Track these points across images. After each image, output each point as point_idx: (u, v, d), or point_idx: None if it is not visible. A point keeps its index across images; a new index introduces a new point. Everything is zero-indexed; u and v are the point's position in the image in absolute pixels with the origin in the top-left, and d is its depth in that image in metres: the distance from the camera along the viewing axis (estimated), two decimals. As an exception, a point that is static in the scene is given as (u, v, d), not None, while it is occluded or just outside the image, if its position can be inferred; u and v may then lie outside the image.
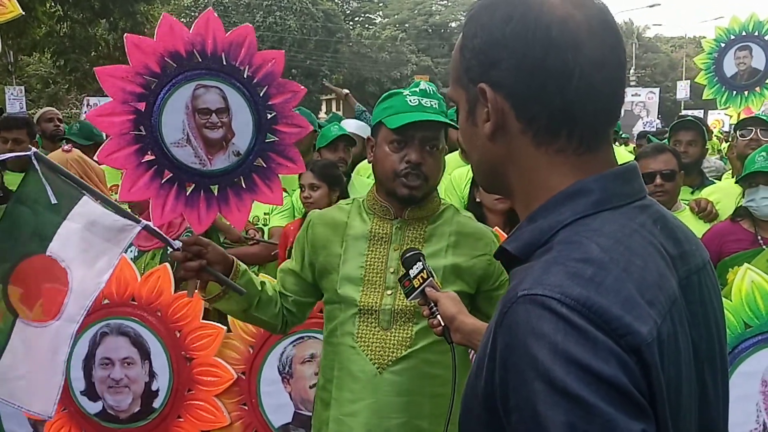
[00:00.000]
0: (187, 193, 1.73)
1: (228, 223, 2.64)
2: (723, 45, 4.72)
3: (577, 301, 0.71)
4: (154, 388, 2.64)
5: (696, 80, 4.98)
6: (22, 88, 12.21)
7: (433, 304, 1.53)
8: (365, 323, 1.75)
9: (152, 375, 2.64)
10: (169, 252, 1.73)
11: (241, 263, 1.77)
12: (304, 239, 1.88)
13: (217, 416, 2.61)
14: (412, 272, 1.55)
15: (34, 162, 1.67)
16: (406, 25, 42.46)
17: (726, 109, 5.12)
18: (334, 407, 1.77)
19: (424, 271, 1.54)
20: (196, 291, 1.78)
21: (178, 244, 1.70)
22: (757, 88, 4.70)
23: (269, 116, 1.82)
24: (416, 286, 1.54)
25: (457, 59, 0.91)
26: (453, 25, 43.01)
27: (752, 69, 4.70)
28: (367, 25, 42.69)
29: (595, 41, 0.82)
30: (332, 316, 1.83)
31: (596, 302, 0.71)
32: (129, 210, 1.95)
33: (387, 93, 1.85)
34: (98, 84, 1.56)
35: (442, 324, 1.51)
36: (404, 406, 1.72)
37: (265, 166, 1.83)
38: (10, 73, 16.34)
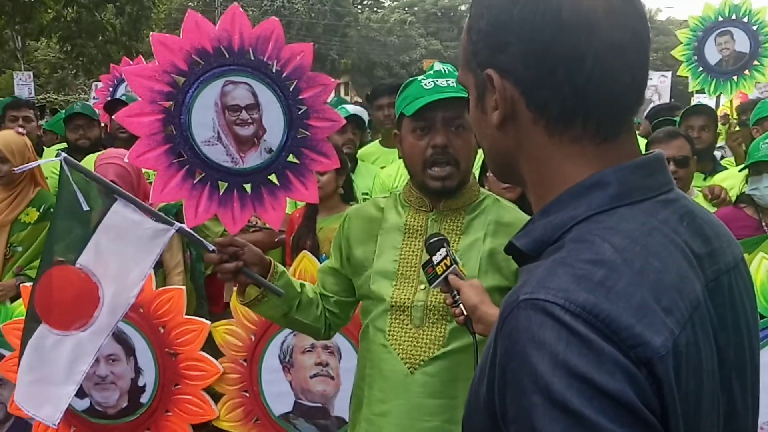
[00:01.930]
0: (221, 193, 1.69)
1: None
2: (701, 34, 4.63)
3: (582, 308, 0.65)
4: (140, 383, 2.65)
5: (678, 73, 4.90)
6: (31, 73, 12.20)
7: (455, 293, 1.46)
8: (397, 320, 1.67)
9: (138, 371, 2.64)
10: (204, 255, 1.67)
11: (278, 264, 1.72)
12: (341, 235, 1.82)
13: (205, 409, 2.61)
14: (435, 259, 1.48)
15: (65, 167, 1.67)
16: (415, 9, 42.20)
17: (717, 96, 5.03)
18: (366, 406, 1.71)
19: (448, 257, 1.47)
20: (234, 295, 1.74)
21: (212, 246, 1.66)
22: (746, 71, 4.61)
23: (300, 111, 1.75)
24: (439, 273, 1.46)
25: (464, 42, 0.85)
26: (462, 8, 42.68)
27: (737, 53, 4.62)
28: (375, 9, 42.43)
29: (614, 23, 0.75)
30: (366, 312, 1.75)
31: (604, 309, 0.65)
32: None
33: (404, 83, 1.77)
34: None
35: (465, 313, 1.43)
36: (437, 409, 1.63)
37: (298, 162, 1.77)
38: (18, 58, 16.31)
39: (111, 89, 5.57)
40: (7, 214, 3.07)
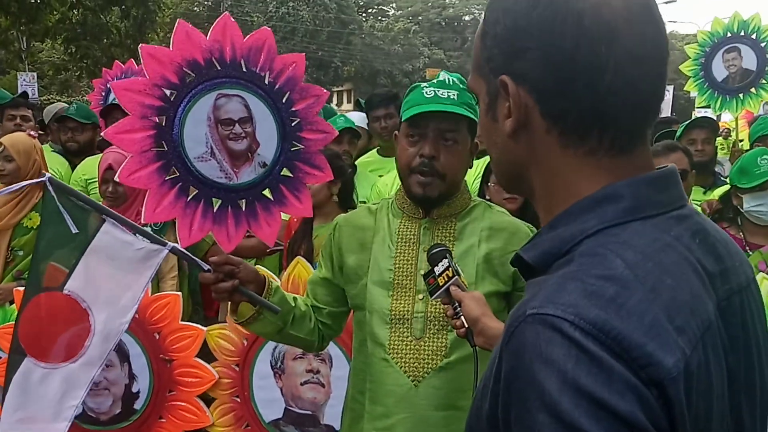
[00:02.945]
0: (215, 210, 1.65)
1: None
2: (708, 49, 4.58)
3: (593, 325, 0.63)
4: (134, 390, 2.62)
5: (685, 88, 4.84)
6: (35, 74, 12.21)
7: (457, 305, 1.44)
8: (397, 333, 1.64)
9: (132, 377, 2.62)
10: (199, 274, 1.61)
11: (273, 280, 1.69)
12: (331, 244, 1.79)
13: (200, 416, 2.59)
14: (437, 269, 1.46)
15: (49, 188, 1.59)
16: (420, 18, 42.25)
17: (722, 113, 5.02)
18: (368, 421, 1.68)
19: (450, 268, 1.45)
20: (227, 315, 1.70)
21: (207, 266, 1.61)
22: (752, 89, 4.58)
23: (293, 123, 1.73)
24: (441, 284, 1.45)
25: (477, 47, 0.82)
26: (466, 18, 42.75)
27: (744, 70, 4.58)
28: (380, 17, 42.52)
29: (634, 32, 0.73)
30: (361, 324, 1.72)
31: (615, 327, 0.63)
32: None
33: (410, 86, 1.76)
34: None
35: (466, 326, 1.42)
36: (443, 421, 1.61)
37: (292, 176, 1.75)
38: (22, 59, 16.34)
39: (103, 93, 5.52)
40: (11, 217, 3.07)
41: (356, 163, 3.85)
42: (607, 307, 0.64)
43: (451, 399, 1.61)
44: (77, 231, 1.60)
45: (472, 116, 1.63)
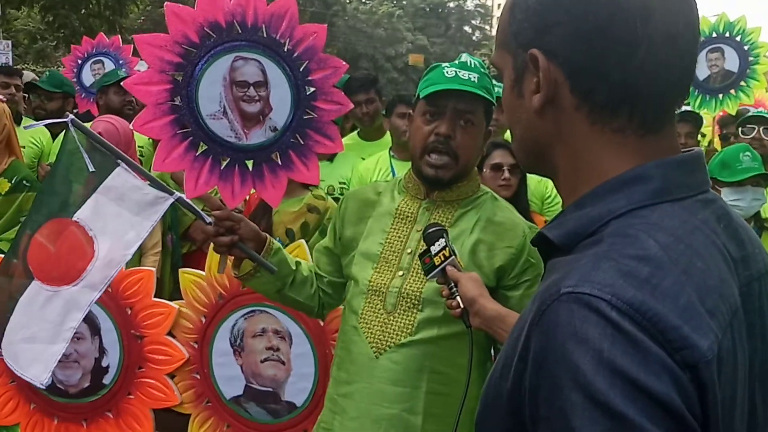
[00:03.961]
0: (222, 167, 1.69)
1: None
2: None
3: (630, 305, 0.62)
4: (104, 364, 2.62)
5: None
6: (9, 42, 11.90)
7: (452, 285, 1.44)
8: (371, 304, 1.68)
9: (102, 351, 2.62)
10: (200, 227, 1.67)
11: (275, 241, 1.72)
12: (337, 215, 1.83)
13: (168, 395, 2.59)
14: (434, 249, 1.46)
15: (71, 129, 1.65)
16: (404, 3, 42.06)
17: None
18: (333, 385, 1.75)
19: (447, 248, 1.45)
20: (228, 267, 1.74)
21: (210, 218, 1.66)
22: (732, 91, 4.67)
23: (308, 92, 1.74)
24: (437, 264, 1.45)
25: (505, 20, 0.81)
26: (451, 5, 42.69)
27: (725, 71, 4.67)
28: (364, 0, 42.19)
29: (668, 10, 0.73)
30: (346, 292, 1.79)
31: (651, 308, 0.62)
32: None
33: (429, 67, 1.76)
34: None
35: (461, 306, 1.41)
36: (398, 396, 1.63)
37: (302, 143, 1.76)
38: (-4, 26, 15.93)
39: (75, 70, 5.39)
40: None
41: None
42: (642, 287, 0.63)
43: (409, 377, 1.63)
44: (93, 170, 1.68)
45: (491, 100, 1.65)
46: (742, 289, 0.73)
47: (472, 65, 1.67)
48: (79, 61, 5.40)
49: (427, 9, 42.52)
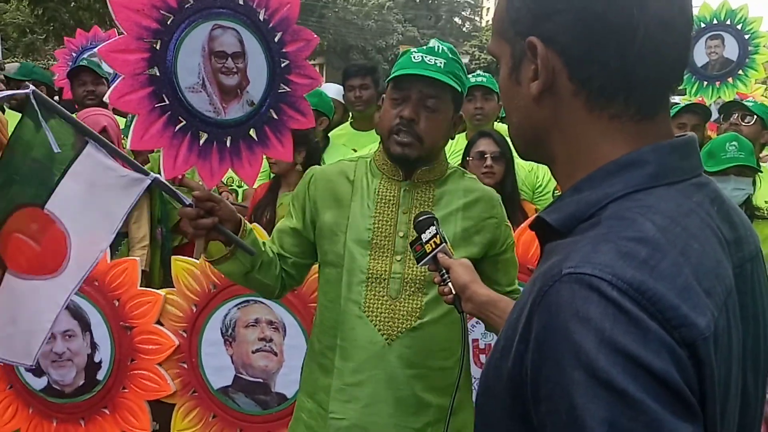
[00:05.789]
0: (200, 144, 1.64)
1: (199, 181, 2.53)
2: (693, 33, 4.71)
3: (630, 285, 0.64)
4: (96, 359, 2.61)
5: None
6: (-1, 35, 11.83)
7: (444, 271, 1.45)
8: (373, 292, 1.68)
9: (94, 346, 2.60)
10: (180, 209, 1.56)
11: (247, 222, 1.67)
12: (305, 196, 1.77)
13: (161, 385, 2.58)
14: (425, 237, 1.48)
15: (33, 102, 1.45)
16: (394, -6, 41.85)
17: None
18: (337, 376, 1.71)
19: (437, 236, 1.47)
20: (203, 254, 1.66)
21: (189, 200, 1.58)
22: (730, 79, 4.63)
23: (283, 65, 1.75)
24: (428, 251, 1.47)
25: (503, 9, 0.82)
26: (440, -4, 42.52)
27: (724, 59, 4.63)
28: (354, -9, 42.00)
29: None
30: (331, 280, 1.73)
31: (650, 288, 0.64)
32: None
33: (401, 52, 1.80)
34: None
35: (453, 292, 1.44)
36: (411, 379, 1.68)
37: (276, 118, 1.76)
38: (-15, 19, 15.80)
39: (70, 63, 5.39)
40: None
41: (329, 135, 3.84)
42: (642, 268, 0.65)
43: (420, 358, 1.68)
44: (59, 151, 1.49)
45: (457, 86, 1.67)
46: (735, 270, 0.75)
47: (440, 50, 1.67)
48: (74, 54, 5.40)
49: (417, 0, 42.38)
